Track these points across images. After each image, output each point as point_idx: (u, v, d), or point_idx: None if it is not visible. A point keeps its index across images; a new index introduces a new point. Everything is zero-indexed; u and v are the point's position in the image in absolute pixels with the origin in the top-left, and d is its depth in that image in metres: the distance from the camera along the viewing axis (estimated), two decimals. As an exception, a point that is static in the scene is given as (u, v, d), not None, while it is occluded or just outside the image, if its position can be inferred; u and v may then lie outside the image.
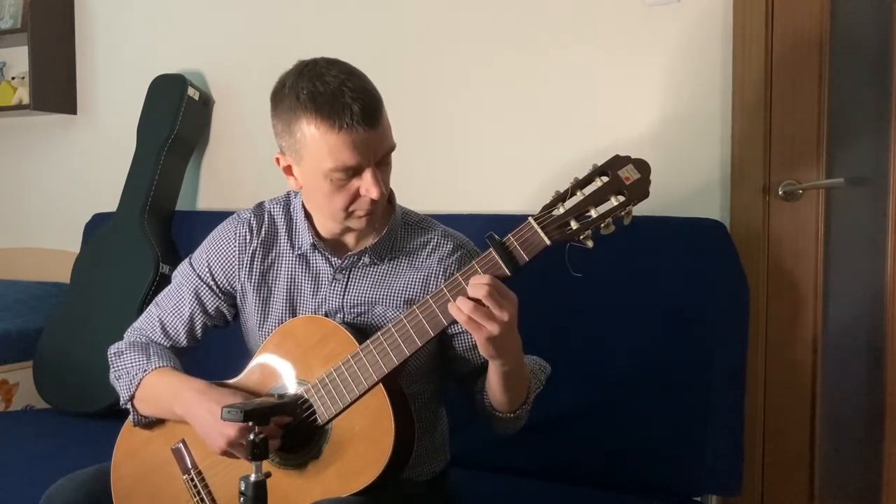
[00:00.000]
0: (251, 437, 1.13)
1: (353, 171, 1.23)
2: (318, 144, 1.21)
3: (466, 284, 1.16)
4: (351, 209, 1.27)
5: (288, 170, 1.31)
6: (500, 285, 1.14)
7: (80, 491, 1.37)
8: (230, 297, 1.43)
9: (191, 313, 1.43)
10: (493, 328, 1.12)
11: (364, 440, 1.23)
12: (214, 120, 2.65)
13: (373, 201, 1.25)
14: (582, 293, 1.82)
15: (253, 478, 1.12)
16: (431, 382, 1.40)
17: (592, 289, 1.81)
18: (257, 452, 1.13)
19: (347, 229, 1.34)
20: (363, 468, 1.21)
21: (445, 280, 1.25)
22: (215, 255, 1.42)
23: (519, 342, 1.21)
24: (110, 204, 2.58)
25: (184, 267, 1.46)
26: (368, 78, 1.26)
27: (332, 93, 1.19)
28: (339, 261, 1.36)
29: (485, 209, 2.15)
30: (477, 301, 1.13)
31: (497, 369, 1.21)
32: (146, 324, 1.46)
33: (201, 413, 1.28)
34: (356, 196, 1.25)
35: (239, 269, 1.40)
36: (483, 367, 1.28)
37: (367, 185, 1.23)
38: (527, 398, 1.30)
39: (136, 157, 2.58)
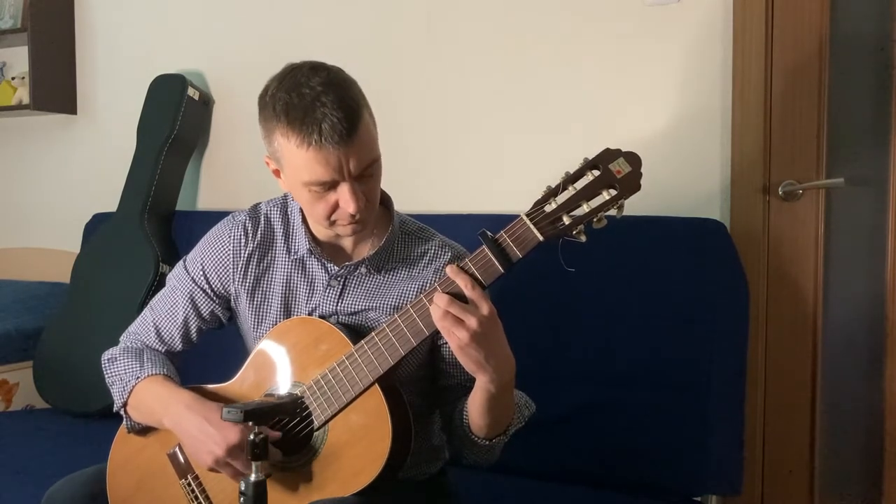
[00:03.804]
0: (251, 437, 1.13)
1: (329, 185, 1.22)
2: (293, 157, 1.21)
3: (458, 281, 1.16)
4: (333, 219, 1.26)
5: (276, 173, 1.30)
6: (474, 294, 1.12)
7: (80, 491, 1.37)
8: (225, 301, 1.43)
9: (185, 317, 1.42)
10: (461, 334, 1.11)
11: (361, 441, 1.23)
12: (214, 120, 2.65)
13: (355, 212, 1.23)
14: (582, 293, 1.82)
15: (253, 478, 1.12)
16: (426, 383, 1.39)
17: (592, 289, 1.82)
18: (257, 452, 1.13)
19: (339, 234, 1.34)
20: (361, 469, 1.21)
21: None
22: (209, 259, 1.41)
23: (507, 365, 1.17)
24: (110, 204, 2.58)
25: (178, 269, 1.45)
26: (354, 85, 1.23)
27: (305, 106, 1.17)
28: (336, 268, 1.35)
29: (484, 209, 2.15)
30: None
31: (481, 387, 1.18)
32: (141, 328, 1.46)
33: (188, 427, 1.28)
34: (336, 207, 1.24)
35: (234, 272, 1.40)
36: (467, 388, 1.26)
37: (343, 200, 1.22)
38: (506, 430, 1.27)
39: (136, 157, 2.58)
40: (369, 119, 1.23)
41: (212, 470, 1.27)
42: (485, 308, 1.12)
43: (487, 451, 1.28)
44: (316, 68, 1.22)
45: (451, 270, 1.15)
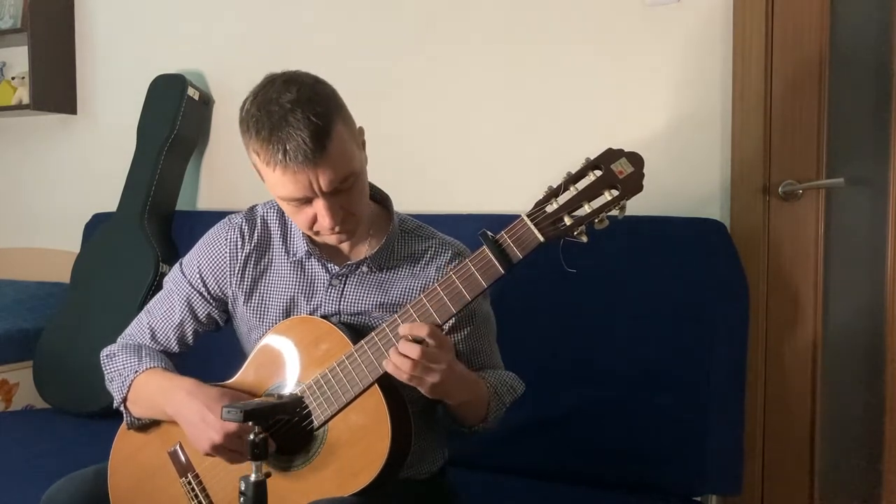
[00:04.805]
0: (251, 437, 1.13)
1: (303, 201, 1.22)
2: (265, 173, 1.23)
3: (461, 284, 1.16)
4: (315, 229, 1.26)
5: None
6: (434, 339, 1.16)
7: (80, 491, 1.38)
8: (222, 304, 1.43)
9: (181, 320, 1.42)
10: (432, 378, 1.16)
11: (361, 441, 1.23)
12: (214, 120, 2.65)
13: (332, 227, 1.23)
14: (582, 293, 1.82)
15: (253, 478, 1.11)
16: None
17: (592, 289, 1.82)
18: (257, 452, 1.13)
19: None
20: (361, 469, 1.21)
21: None
22: (206, 262, 1.41)
23: (463, 384, 1.23)
24: (110, 204, 2.58)
25: (174, 273, 1.45)
26: (328, 99, 1.21)
27: (272, 125, 1.17)
28: (337, 268, 1.35)
29: (485, 209, 2.15)
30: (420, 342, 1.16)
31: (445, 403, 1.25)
32: (136, 331, 1.46)
33: (188, 414, 1.28)
34: (315, 219, 1.24)
35: (230, 275, 1.40)
36: None
37: (319, 215, 1.22)
38: (485, 418, 1.31)
39: (136, 157, 2.58)
40: (344, 133, 1.21)
41: (208, 455, 1.27)
42: (447, 346, 1.19)
43: (470, 434, 1.34)
44: (289, 82, 1.20)
45: (405, 329, 1.17)
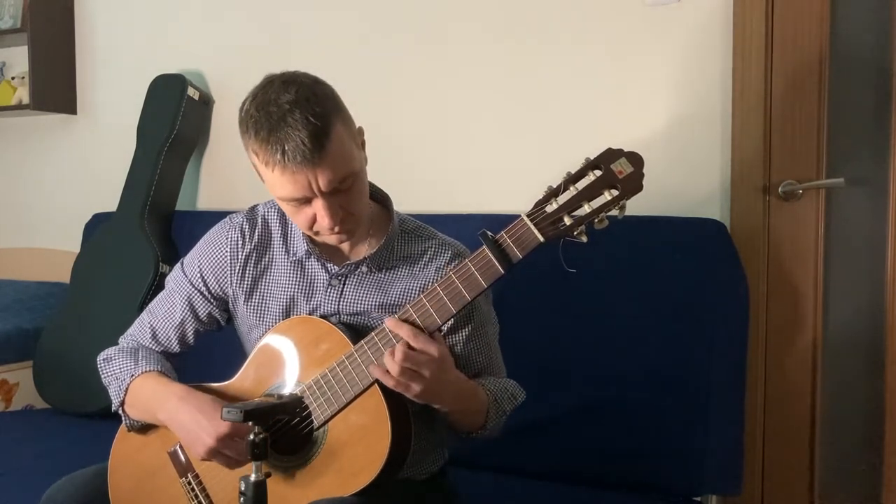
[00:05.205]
0: (251, 436, 1.13)
1: (303, 201, 1.22)
2: (264, 173, 1.23)
3: (461, 284, 1.16)
4: (315, 230, 1.26)
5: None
6: (418, 343, 1.17)
7: (80, 491, 1.37)
8: (223, 303, 1.43)
9: (182, 319, 1.42)
10: (417, 388, 1.17)
11: (361, 441, 1.23)
12: (214, 120, 2.65)
13: (331, 227, 1.23)
14: (581, 293, 1.82)
15: (253, 478, 1.11)
16: None
17: (592, 289, 1.82)
18: (257, 452, 1.13)
19: None
20: (361, 469, 1.21)
21: None
22: (207, 261, 1.41)
23: (454, 394, 1.24)
24: (110, 204, 2.58)
25: (176, 272, 1.45)
26: (327, 100, 1.21)
27: (271, 126, 1.17)
28: (337, 267, 1.35)
29: (485, 209, 2.14)
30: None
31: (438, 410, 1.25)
32: (138, 331, 1.46)
33: (182, 419, 1.28)
34: (315, 219, 1.24)
35: (231, 274, 1.40)
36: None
37: (319, 216, 1.22)
38: (483, 425, 1.31)
39: (136, 157, 2.58)
40: (343, 133, 1.21)
41: (205, 460, 1.27)
42: (434, 352, 1.18)
43: (468, 441, 1.34)
44: (288, 82, 1.20)
45: (390, 323, 1.19)
